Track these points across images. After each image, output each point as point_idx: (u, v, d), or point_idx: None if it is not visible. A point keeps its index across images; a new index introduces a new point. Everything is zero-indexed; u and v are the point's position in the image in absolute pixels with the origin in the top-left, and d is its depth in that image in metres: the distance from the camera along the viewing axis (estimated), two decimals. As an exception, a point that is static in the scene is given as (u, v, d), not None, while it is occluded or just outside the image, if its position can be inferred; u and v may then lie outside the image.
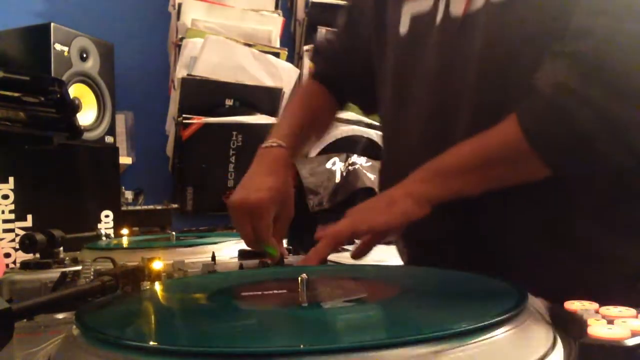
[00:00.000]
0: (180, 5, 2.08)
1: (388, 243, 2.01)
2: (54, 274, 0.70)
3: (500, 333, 0.34)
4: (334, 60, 0.97)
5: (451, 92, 0.73)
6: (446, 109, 0.74)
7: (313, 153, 2.16)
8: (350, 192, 2.08)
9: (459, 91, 0.72)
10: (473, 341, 0.32)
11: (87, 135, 1.71)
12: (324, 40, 1.07)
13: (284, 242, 0.93)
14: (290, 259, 0.81)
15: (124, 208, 1.76)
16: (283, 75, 2.10)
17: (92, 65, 1.81)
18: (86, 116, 1.78)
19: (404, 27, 0.80)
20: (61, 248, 0.83)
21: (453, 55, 0.73)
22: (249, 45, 2.07)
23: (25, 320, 0.51)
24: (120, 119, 2.09)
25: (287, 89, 2.13)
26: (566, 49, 0.64)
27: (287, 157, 0.86)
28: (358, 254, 0.74)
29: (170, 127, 2.10)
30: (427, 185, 0.69)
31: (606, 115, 0.61)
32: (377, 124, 2.25)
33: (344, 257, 0.87)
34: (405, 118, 0.80)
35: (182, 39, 2.03)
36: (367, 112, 1.20)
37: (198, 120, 1.97)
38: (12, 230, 1.21)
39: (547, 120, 0.64)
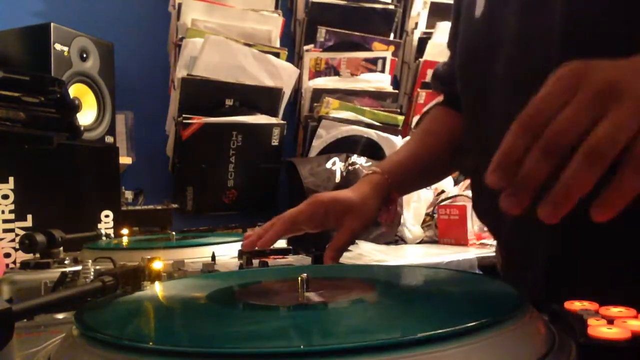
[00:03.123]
0: (180, 5, 2.07)
1: (388, 243, 2.00)
2: (54, 274, 0.70)
3: (500, 333, 0.34)
4: (452, 78, 0.88)
5: (533, 67, 0.65)
6: (528, 85, 0.67)
7: (313, 153, 2.16)
8: (350, 192, 2.08)
9: (541, 64, 0.62)
10: (472, 341, 0.32)
11: (87, 135, 1.70)
12: (440, 64, 0.99)
13: (284, 241, 0.93)
14: (290, 258, 0.81)
15: (124, 208, 1.76)
16: (283, 75, 2.10)
17: (92, 65, 1.81)
18: (86, 116, 1.77)
19: (478, 9, 0.73)
20: (61, 248, 0.83)
21: (532, 29, 0.66)
22: (249, 45, 2.07)
23: (25, 320, 0.51)
24: (120, 119, 2.08)
25: (287, 89, 2.13)
26: None
27: (381, 180, 0.89)
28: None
29: (170, 127, 2.10)
30: None
31: None
32: (377, 123, 2.25)
33: (344, 257, 0.87)
34: (485, 103, 0.74)
35: (182, 39, 2.02)
36: None
37: (198, 120, 1.97)
38: (12, 230, 1.21)
39: None
